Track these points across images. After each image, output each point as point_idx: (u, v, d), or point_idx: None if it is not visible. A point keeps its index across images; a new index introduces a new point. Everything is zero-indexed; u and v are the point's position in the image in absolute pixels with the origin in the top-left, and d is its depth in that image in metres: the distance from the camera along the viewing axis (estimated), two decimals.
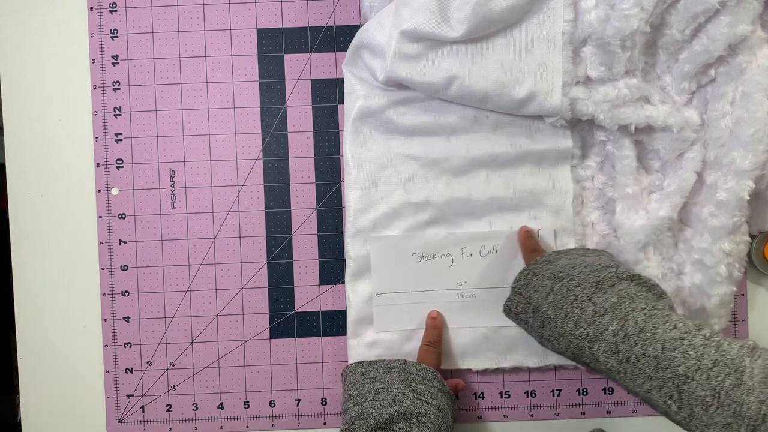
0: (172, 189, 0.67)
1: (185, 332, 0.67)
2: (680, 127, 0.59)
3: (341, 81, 0.66)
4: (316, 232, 0.67)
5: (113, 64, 0.67)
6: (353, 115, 0.64)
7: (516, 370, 0.66)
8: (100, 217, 0.67)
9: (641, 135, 0.61)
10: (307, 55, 0.67)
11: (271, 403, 0.67)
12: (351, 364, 0.62)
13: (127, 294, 0.67)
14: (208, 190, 0.67)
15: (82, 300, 0.67)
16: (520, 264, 0.62)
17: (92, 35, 0.67)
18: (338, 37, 0.67)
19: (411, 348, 0.64)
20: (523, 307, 0.56)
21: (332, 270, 0.67)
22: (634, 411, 0.66)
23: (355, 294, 0.65)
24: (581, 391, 0.66)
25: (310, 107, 0.67)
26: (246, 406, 0.67)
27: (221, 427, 0.67)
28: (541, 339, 0.56)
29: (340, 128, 0.67)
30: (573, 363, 0.61)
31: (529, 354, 0.64)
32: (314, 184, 0.67)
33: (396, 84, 0.63)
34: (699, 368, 0.45)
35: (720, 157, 0.59)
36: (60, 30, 0.67)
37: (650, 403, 0.49)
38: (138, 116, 0.67)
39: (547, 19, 0.59)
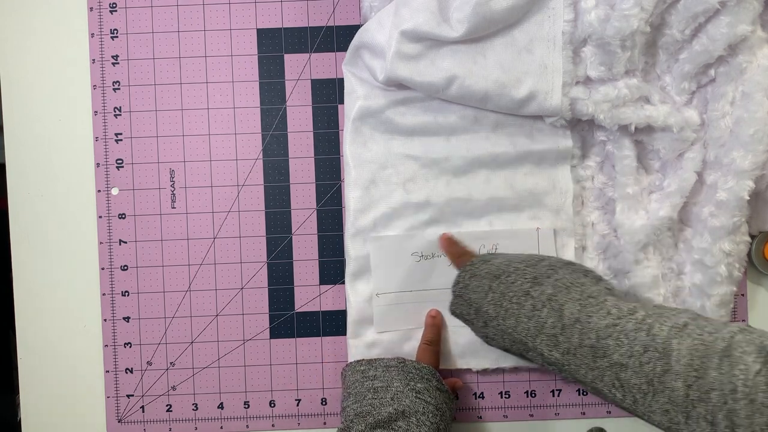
0: (172, 189, 0.67)
1: (185, 332, 0.67)
2: (680, 127, 0.59)
3: (341, 81, 0.66)
4: (316, 232, 0.67)
5: (113, 64, 0.67)
6: (353, 115, 0.64)
7: (516, 370, 0.66)
8: (100, 217, 0.67)
9: (641, 135, 0.61)
10: (307, 55, 0.67)
11: (271, 403, 0.67)
12: (350, 363, 0.62)
13: (127, 294, 0.67)
14: (208, 190, 0.67)
15: (82, 300, 0.67)
16: None
17: (92, 35, 0.67)
18: (338, 37, 0.67)
19: (410, 347, 0.64)
20: (465, 309, 0.56)
21: (332, 270, 0.67)
22: None
23: (355, 294, 0.65)
24: (581, 391, 0.66)
25: (310, 107, 0.67)
26: (246, 406, 0.67)
27: (221, 427, 0.67)
28: (487, 339, 0.55)
29: (340, 128, 0.67)
30: (525, 363, 0.61)
31: None
32: (314, 184, 0.67)
33: (396, 84, 0.63)
34: (631, 355, 0.44)
35: (720, 157, 0.59)
36: (60, 30, 0.67)
37: (599, 394, 0.47)
38: (138, 116, 0.67)
39: (547, 19, 0.59)
